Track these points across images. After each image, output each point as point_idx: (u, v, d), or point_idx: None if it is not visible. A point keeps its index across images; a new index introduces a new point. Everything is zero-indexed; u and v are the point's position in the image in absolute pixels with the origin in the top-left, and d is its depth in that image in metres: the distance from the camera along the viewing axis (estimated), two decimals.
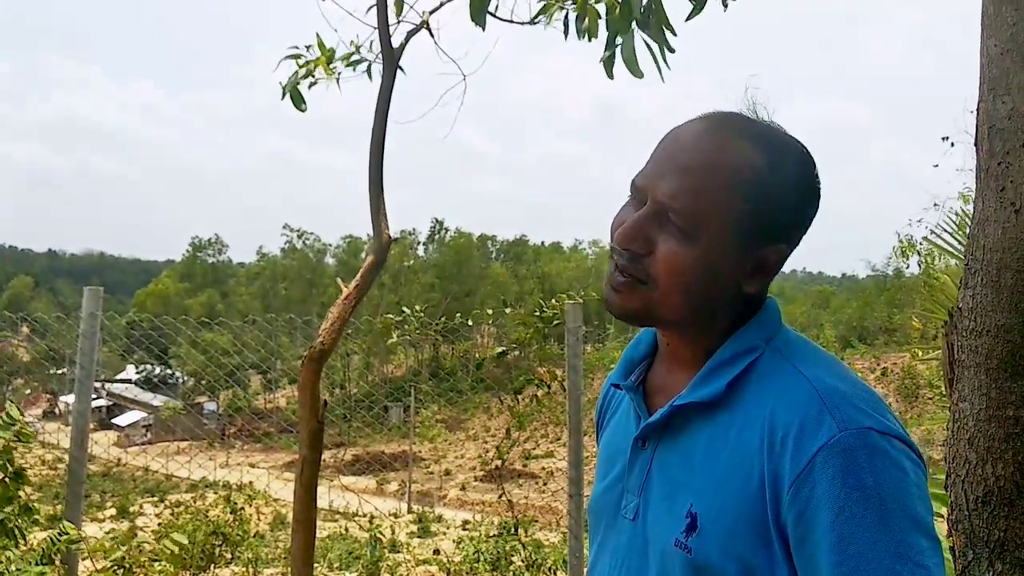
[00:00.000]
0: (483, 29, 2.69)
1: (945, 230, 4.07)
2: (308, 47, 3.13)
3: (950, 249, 3.87)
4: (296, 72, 3.14)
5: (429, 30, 2.98)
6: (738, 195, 0.98)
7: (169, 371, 60.78)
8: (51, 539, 3.68)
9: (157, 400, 51.51)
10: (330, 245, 74.50)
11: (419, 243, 76.41)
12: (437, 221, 78.38)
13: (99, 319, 3.90)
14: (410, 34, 2.89)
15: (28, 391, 57.81)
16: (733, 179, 0.98)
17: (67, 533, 3.51)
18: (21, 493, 3.86)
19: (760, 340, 1.03)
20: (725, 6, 2.86)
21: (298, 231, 72.93)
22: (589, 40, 3.00)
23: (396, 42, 2.86)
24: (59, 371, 51.43)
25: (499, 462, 5.85)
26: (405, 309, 4.78)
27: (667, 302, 1.01)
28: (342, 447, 42.22)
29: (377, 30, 2.85)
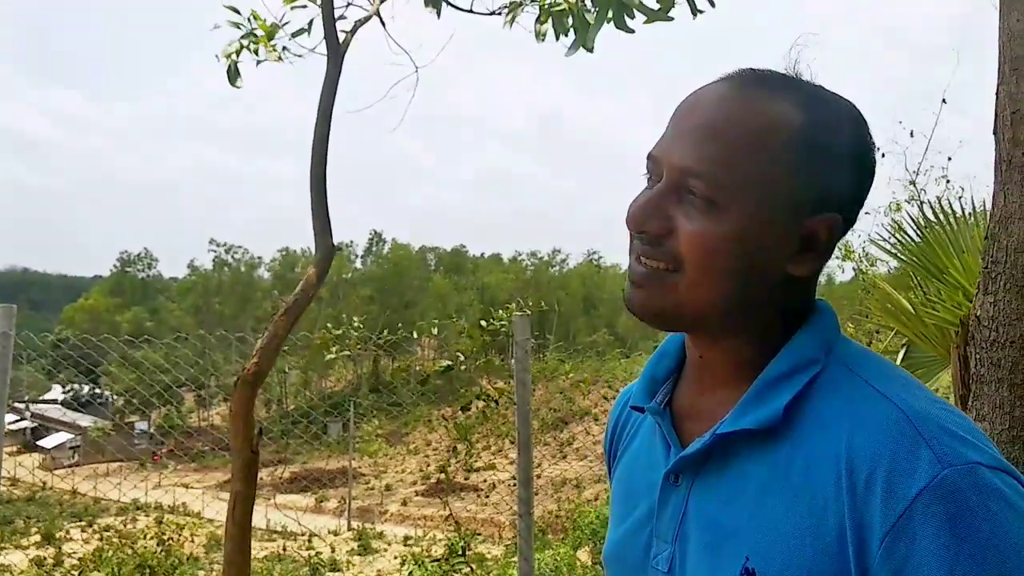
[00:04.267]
0: (438, 16, 2.58)
1: (880, 236, 4.13)
2: (249, 22, 2.96)
3: (895, 252, 3.91)
4: (236, 43, 2.94)
5: (381, 19, 2.85)
6: (772, 156, 0.80)
7: (98, 390, 58.74)
8: None
9: (85, 420, 49.69)
10: (261, 259, 73.35)
11: (356, 256, 75.73)
12: (375, 233, 77.86)
13: (11, 338, 3.63)
14: (358, 24, 2.74)
15: None
16: (765, 137, 0.80)
17: None
18: None
19: (819, 351, 0.83)
20: (694, 14, 2.77)
21: (225, 246, 71.66)
22: (544, 40, 2.92)
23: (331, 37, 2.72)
24: None
25: (442, 476, 5.73)
26: (350, 323, 4.62)
27: (696, 291, 0.82)
28: (280, 464, 41.31)
29: (322, 18, 2.70)
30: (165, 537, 7.69)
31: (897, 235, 3.88)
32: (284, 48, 3.15)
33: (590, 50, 2.84)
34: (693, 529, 0.85)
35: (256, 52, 3.13)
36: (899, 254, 3.68)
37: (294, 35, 3.14)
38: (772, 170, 0.80)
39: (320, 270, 2.68)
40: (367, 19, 2.91)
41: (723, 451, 0.84)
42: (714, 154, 0.80)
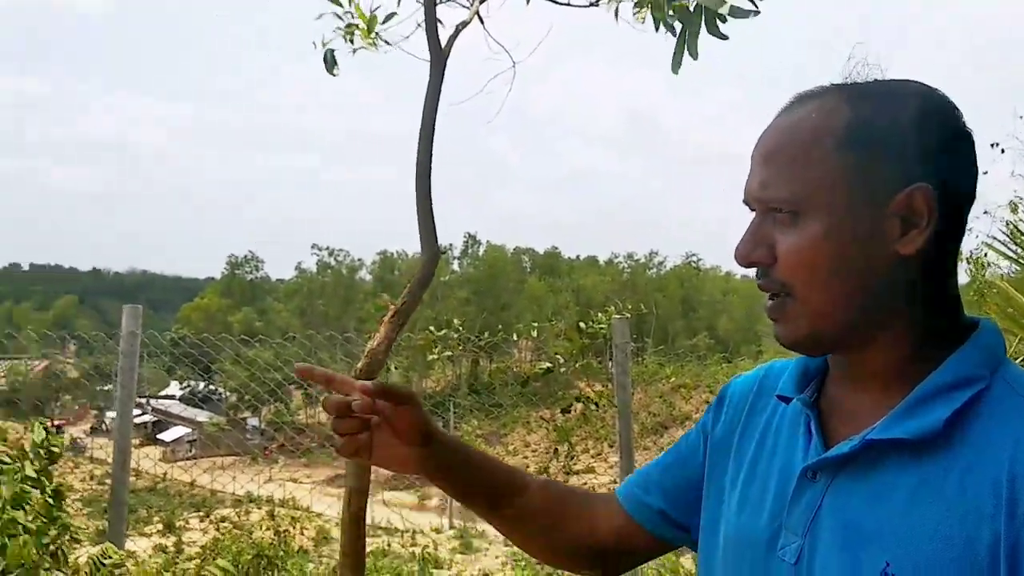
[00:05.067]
0: (527, 2, 2.58)
1: (996, 239, 3.93)
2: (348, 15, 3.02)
3: (1014, 256, 3.71)
4: (337, 33, 3.01)
5: (480, 19, 2.88)
6: (826, 152, 0.84)
7: (213, 387, 61.64)
8: (94, 562, 3.64)
9: (202, 415, 52.22)
10: (362, 261, 75.23)
11: (454, 258, 76.72)
12: (470, 235, 78.62)
13: (139, 337, 3.86)
14: (459, 27, 2.78)
15: (76, 407, 59.00)
16: (820, 133, 0.85)
17: (110, 556, 3.46)
18: (60, 513, 3.84)
19: (984, 368, 0.83)
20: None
21: (328, 249, 73.76)
22: (644, 22, 2.87)
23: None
24: (105, 387, 52.48)
25: (542, 477, 5.70)
26: (449, 325, 4.69)
27: (813, 304, 0.85)
28: None
29: (424, 23, 2.74)
30: (281, 529, 8.02)
31: (1015, 238, 3.68)
32: (377, 35, 3.18)
33: (694, 56, 2.79)
34: (827, 527, 0.86)
35: (351, 41, 3.18)
36: (1019, 258, 3.48)
37: (385, 20, 3.17)
38: (832, 164, 0.83)
39: (426, 273, 2.73)
40: (468, 21, 2.94)
41: (869, 455, 0.84)
42: (780, 169, 0.86)
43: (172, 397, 59.01)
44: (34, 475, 3.42)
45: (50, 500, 3.74)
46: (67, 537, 3.89)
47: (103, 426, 51.48)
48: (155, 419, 53.75)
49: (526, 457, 46.96)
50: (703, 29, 2.72)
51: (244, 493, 30.21)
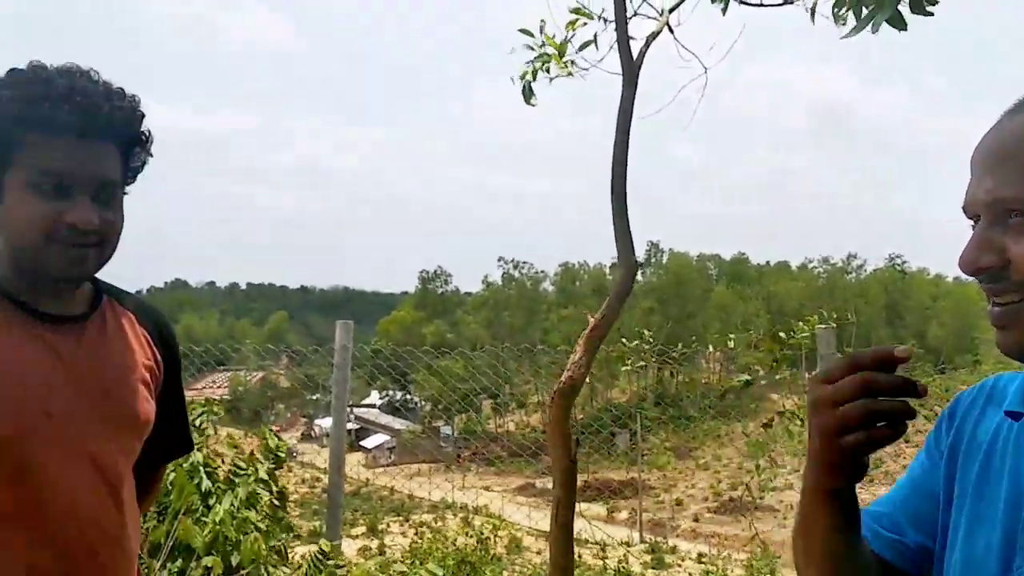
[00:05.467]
0: (723, 13, 2.52)
1: None
2: (539, 44, 3.08)
3: None
4: (531, 64, 3.08)
5: (670, 28, 2.84)
6: None
7: (409, 396, 64.76)
8: (313, 560, 3.90)
9: (399, 424, 54.95)
10: (545, 273, 76.19)
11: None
12: (652, 244, 77.49)
13: (350, 350, 4.11)
14: (650, 39, 2.76)
15: (288, 414, 63.99)
16: None
17: (330, 556, 3.69)
18: (284, 514, 4.16)
19: None
20: None
21: (512, 261, 75.31)
22: (844, 23, 2.71)
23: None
24: (313, 396, 56.54)
25: (735, 493, 5.50)
26: (640, 336, 4.64)
27: None
28: None
29: (616, 38, 2.74)
30: (483, 536, 8.27)
31: None
32: (572, 62, 3.22)
33: (875, 30, 2.58)
34: None
35: (547, 71, 3.24)
36: None
37: (581, 48, 3.20)
38: None
39: (624, 287, 2.72)
40: (658, 32, 2.90)
41: None
42: (1015, 168, 0.81)
43: (373, 406, 62.52)
44: (265, 478, 3.72)
45: (276, 502, 4.06)
46: (290, 536, 4.21)
47: (312, 433, 55.46)
48: (358, 426, 57.18)
49: (717, 472, 45.52)
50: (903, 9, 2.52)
51: (440, 499, 31.48)
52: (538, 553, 20.87)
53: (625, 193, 2.70)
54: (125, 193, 1.34)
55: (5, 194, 1.24)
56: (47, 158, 1.22)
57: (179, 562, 3.38)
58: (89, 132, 1.24)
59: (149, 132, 1.36)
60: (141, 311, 1.49)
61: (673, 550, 24.05)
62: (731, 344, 5.11)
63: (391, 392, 64.87)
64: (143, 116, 1.34)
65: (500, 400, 56.65)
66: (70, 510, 1.27)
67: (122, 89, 1.30)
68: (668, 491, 41.05)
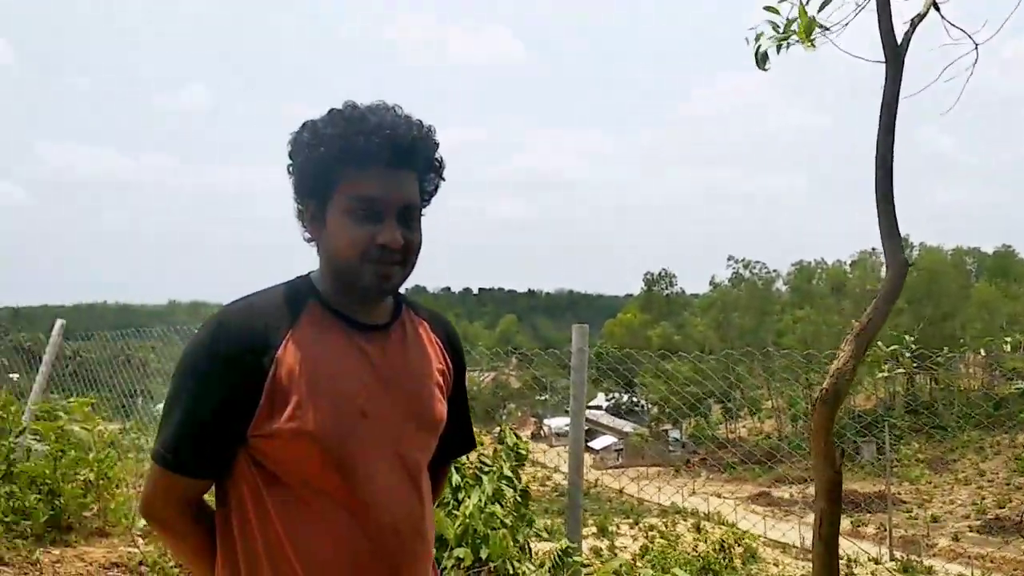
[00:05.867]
0: None
1: None
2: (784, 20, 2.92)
3: None
4: (774, 33, 2.90)
5: (936, 6, 2.59)
6: None
7: (635, 398, 64.59)
8: (558, 557, 3.99)
9: (626, 426, 54.93)
10: (777, 272, 72.59)
11: (882, 264, 70.24)
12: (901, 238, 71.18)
13: (586, 353, 4.16)
14: (915, 21, 2.54)
15: (519, 414, 66.10)
16: None
17: (572, 555, 3.76)
18: (527, 511, 4.29)
19: None
20: None
21: (743, 261, 72.45)
22: None
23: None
24: (542, 397, 58.05)
25: (1001, 511, 4.89)
26: (904, 341, 4.26)
27: None
28: (809, 483, 40.26)
29: (877, 20, 2.54)
30: (724, 544, 8.07)
31: None
32: (816, 35, 3.00)
33: None
34: None
35: (787, 47, 3.05)
36: None
37: (821, 7, 2.96)
38: None
39: (893, 287, 2.51)
40: (924, 13, 2.65)
41: None
42: None
43: (599, 407, 62.98)
44: (509, 475, 3.86)
45: (519, 499, 4.20)
46: (532, 533, 4.34)
47: (542, 432, 56.92)
48: (586, 428, 57.78)
49: (981, 487, 41.10)
50: None
51: (669, 504, 31.06)
52: (775, 564, 19.95)
53: (891, 190, 2.50)
54: (422, 215, 1.48)
55: (327, 220, 1.41)
56: (361, 186, 1.38)
57: (433, 552, 3.59)
58: (395, 161, 1.40)
59: (442, 159, 1.49)
60: (433, 319, 1.63)
61: (929, 570, 22.01)
62: (1007, 347, 4.56)
63: (617, 394, 65.00)
64: (438, 145, 1.48)
65: (730, 404, 54.91)
66: (382, 500, 1.41)
67: (420, 121, 1.44)
68: (922, 506, 37.60)
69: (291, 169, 1.46)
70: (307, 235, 1.47)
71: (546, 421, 57.07)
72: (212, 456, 1.39)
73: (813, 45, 2.91)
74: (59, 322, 7.40)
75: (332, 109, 1.43)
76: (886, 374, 4.16)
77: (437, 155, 1.48)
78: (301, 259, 1.51)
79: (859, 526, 32.14)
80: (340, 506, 1.38)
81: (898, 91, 2.49)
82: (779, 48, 3.04)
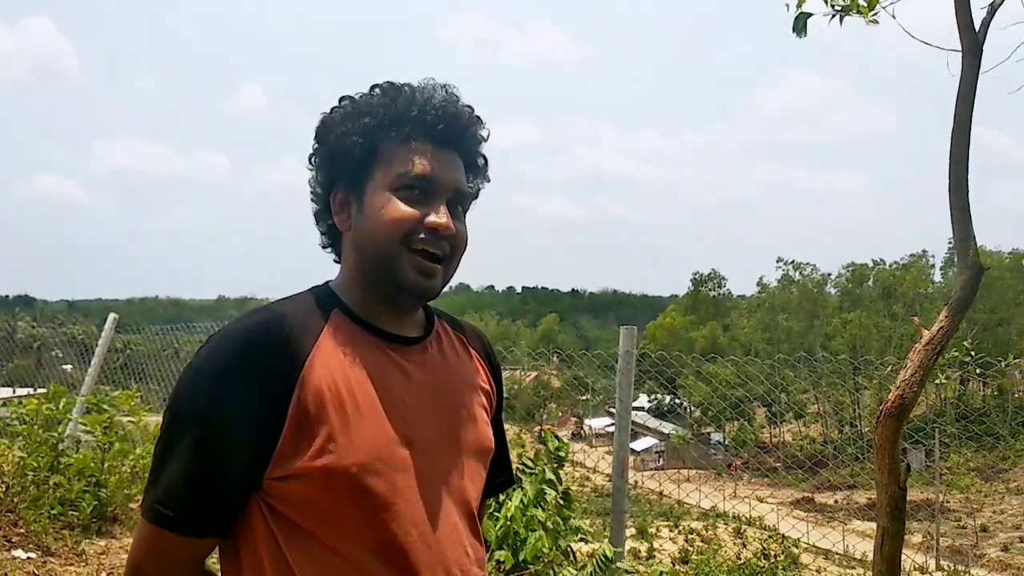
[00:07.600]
0: None
1: None
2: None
3: None
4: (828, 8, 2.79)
5: None
6: None
7: (677, 400, 63.92)
8: (598, 562, 3.91)
9: (667, 428, 54.41)
10: (828, 275, 71.16)
11: (933, 267, 68.50)
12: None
13: (634, 355, 4.07)
14: (994, 7, 2.41)
15: (560, 414, 65.89)
16: None
17: (613, 560, 3.68)
18: (570, 513, 4.22)
19: None
20: None
21: (792, 262, 71.18)
22: None
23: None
24: (583, 397, 57.78)
25: None
26: (964, 348, 4.10)
27: None
28: (854, 489, 39.51)
29: (955, 10, 2.42)
30: (767, 551, 7.93)
31: None
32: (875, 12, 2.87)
33: None
34: None
35: (840, 21, 2.92)
36: None
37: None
38: None
39: (967, 294, 2.37)
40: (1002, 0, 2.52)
41: None
42: None
43: (641, 408, 62.51)
44: (552, 478, 3.79)
45: (561, 501, 4.13)
46: (576, 537, 4.26)
47: (582, 432, 56.65)
48: None
49: None
50: None
51: (710, 507, 30.66)
52: (818, 572, 19.57)
53: (967, 190, 2.36)
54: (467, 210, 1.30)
55: (365, 200, 1.22)
56: (413, 162, 1.20)
57: None
58: (448, 140, 1.24)
59: (487, 158, 1.32)
60: (470, 333, 1.43)
61: None
62: None
63: (659, 396, 64.43)
64: (487, 136, 1.31)
65: (775, 409, 54.04)
66: (433, 549, 1.19)
67: (471, 107, 1.28)
68: (971, 516, 36.60)
69: (316, 153, 1.26)
70: (326, 240, 1.30)
71: (587, 421, 56.78)
72: (221, 510, 1.13)
73: (875, 20, 2.79)
74: (112, 316, 7.55)
75: (375, 84, 1.27)
76: (943, 381, 4.00)
77: (483, 149, 1.31)
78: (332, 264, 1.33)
79: (905, 534, 31.46)
80: (381, 559, 1.15)
81: (975, 83, 2.35)
82: (841, 19, 2.91)
